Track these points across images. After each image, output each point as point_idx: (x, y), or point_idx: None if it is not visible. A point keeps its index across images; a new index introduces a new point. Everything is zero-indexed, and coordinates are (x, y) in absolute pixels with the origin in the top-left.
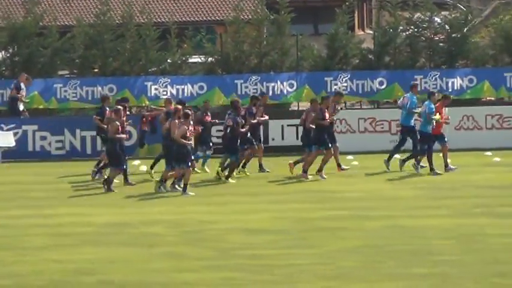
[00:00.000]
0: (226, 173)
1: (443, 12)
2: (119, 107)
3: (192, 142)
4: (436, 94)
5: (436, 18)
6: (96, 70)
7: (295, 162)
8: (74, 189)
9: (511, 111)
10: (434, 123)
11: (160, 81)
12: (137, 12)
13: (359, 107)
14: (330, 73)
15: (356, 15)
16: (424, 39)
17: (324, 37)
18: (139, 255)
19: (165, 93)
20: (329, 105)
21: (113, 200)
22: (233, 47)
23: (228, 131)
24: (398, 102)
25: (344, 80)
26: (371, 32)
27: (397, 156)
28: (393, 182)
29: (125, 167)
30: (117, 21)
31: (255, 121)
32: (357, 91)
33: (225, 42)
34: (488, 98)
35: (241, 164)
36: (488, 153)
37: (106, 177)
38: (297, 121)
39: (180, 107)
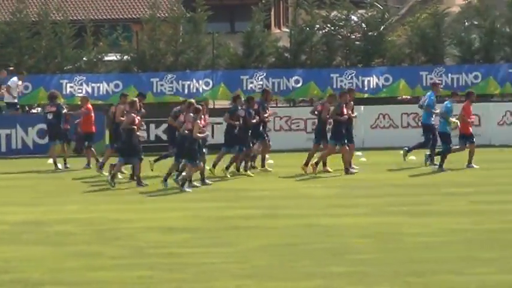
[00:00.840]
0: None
1: (360, 11)
2: (135, 99)
3: (205, 135)
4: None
5: (352, 17)
6: (11, 68)
7: (316, 163)
8: None
9: None
10: (453, 124)
11: (76, 79)
12: (53, 9)
13: (275, 105)
14: (246, 71)
15: (272, 13)
16: (340, 37)
17: (240, 35)
18: (53, 253)
19: (80, 91)
20: (347, 101)
21: (27, 199)
22: (149, 45)
23: (241, 122)
24: (420, 102)
25: (260, 78)
26: (287, 30)
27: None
28: (308, 180)
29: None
30: (33, 19)
31: (265, 116)
32: (272, 89)
33: (141, 40)
34: (404, 97)
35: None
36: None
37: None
38: (213, 119)
39: (193, 101)
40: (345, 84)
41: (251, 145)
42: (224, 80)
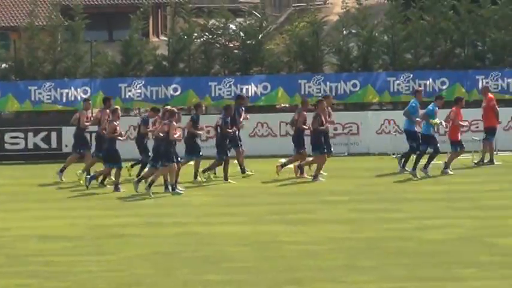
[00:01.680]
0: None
1: (238, 19)
2: (117, 107)
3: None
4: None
5: (231, 25)
6: None
7: (283, 165)
8: None
9: None
10: (440, 126)
11: None
12: None
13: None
14: (124, 79)
15: (151, 21)
16: (218, 46)
17: (118, 43)
18: None
19: None
20: (324, 108)
21: None
22: (27, 53)
23: (218, 130)
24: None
25: (138, 86)
26: (166, 38)
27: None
28: (187, 189)
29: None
30: None
31: (239, 123)
32: (151, 97)
33: (19, 48)
34: (282, 105)
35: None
36: (283, 160)
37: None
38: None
39: (169, 107)
40: (223, 93)
41: (228, 153)
42: (102, 88)
